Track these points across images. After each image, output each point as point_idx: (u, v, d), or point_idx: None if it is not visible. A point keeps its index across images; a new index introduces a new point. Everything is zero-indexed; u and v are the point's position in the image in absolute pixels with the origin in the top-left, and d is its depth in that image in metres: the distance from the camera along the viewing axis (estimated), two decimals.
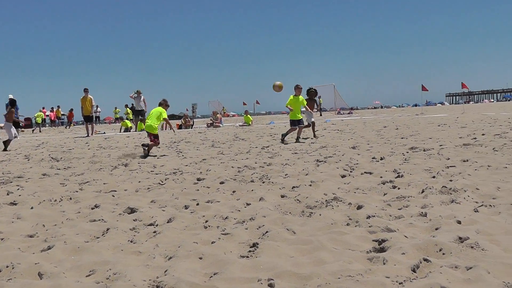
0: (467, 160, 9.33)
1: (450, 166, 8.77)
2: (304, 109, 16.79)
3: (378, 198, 6.59)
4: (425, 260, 3.91)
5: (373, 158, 10.53)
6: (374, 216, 5.46)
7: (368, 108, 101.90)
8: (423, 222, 5.19)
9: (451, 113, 36.38)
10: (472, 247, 4.17)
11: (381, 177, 8.21)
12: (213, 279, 3.84)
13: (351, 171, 8.98)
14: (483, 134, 14.69)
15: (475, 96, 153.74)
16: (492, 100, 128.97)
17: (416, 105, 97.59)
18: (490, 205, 5.70)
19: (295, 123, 16.50)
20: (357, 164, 9.79)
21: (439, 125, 21.32)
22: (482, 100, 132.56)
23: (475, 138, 13.55)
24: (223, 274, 3.90)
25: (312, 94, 18.04)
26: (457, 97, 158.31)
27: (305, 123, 17.41)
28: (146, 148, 13.56)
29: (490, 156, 9.72)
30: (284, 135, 16.17)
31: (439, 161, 9.51)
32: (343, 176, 8.53)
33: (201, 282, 3.79)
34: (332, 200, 6.43)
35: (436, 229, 4.83)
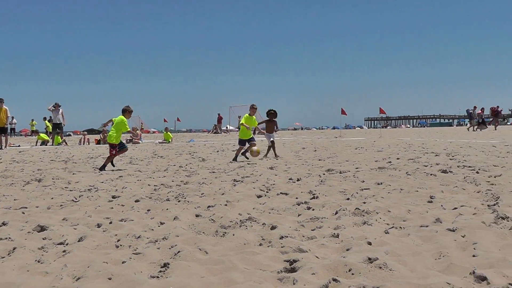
0: (381, 183, 9.79)
1: (365, 189, 9.17)
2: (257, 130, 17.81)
3: (292, 218, 6.80)
4: (334, 280, 4.10)
5: (290, 179, 10.81)
6: (287, 236, 5.63)
7: (289, 129, 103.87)
8: (334, 243, 5.43)
9: (368, 137, 37.83)
10: (380, 268, 4.42)
11: (296, 198, 8.46)
12: None
13: (267, 192, 9.18)
14: (397, 158, 15.44)
15: (393, 121, 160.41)
16: (408, 125, 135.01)
17: (335, 128, 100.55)
18: (400, 227, 6.04)
19: (243, 142, 16.80)
20: (273, 184, 10.03)
21: (356, 148, 22.15)
22: (399, 125, 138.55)
23: (390, 162, 14.21)
24: None
25: (272, 115, 18.33)
26: (375, 121, 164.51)
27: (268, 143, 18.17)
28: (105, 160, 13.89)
29: (403, 180, 10.25)
30: (236, 156, 16.67)
31: (354, 184, 9.92)
32: (259, 196, 8.71)
33: None
34: (246, 220, 6.57)
35: (347, 249, 5.06)
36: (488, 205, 7.38)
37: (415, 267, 4.49)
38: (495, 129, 45.52)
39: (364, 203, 7.66)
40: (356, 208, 7.11)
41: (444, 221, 6.33)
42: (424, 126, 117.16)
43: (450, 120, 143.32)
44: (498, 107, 48.81)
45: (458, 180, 10.15)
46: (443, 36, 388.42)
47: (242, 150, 17.09)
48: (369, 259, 4.62)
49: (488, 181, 9.85)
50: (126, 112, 14.19)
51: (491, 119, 47.21)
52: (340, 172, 11.87)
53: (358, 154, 17.99)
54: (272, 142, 18.07)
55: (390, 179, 10.50)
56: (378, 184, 9.78)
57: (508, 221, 6.30)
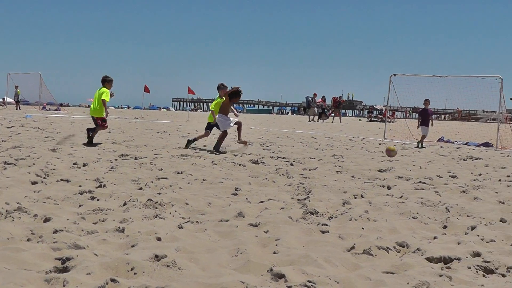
0: (182, 172, 10.00)
1: (162, 178, 9.30)
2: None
3: (72, 210, 6.69)
4: (112, 280, 4.13)
5: (74, 163, 10.58)
6: (63, 230, 5.53)
7: (81, 106, 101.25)
8: (118, 238, 5.45)
9: (175, 120, 38.26)
10: (168, 266, 4.53)
11: (80, 186, 8.32)
12: None
13: (45, 177, 8.91)
14: (204, 146, 15.84)
15: (205, 104, 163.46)
16: None
17: (136, 108, 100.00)
18: (196, 221, 6.24)
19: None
20: (54, 169, 9.75)
21: (158, 132, 22.31)
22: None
23: (194, 149, 14.54)
24: None
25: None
26: (184, 103, 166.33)
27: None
28: (91, 133, 14.81)
29: (207, 170, 10.57)
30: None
31: (151, 172, 10.01)
32: (34, 183, 8.42)
33: None
34: (14, 210, 6.33)
35: (132, 246, 5.11)
36: (298, 199, 7.91)
37: (208, 265, 4.67)
38: (340, 121, 47.95)
39: (159, 193, 7.78)
40: (148, 200, 7.19)
41: (247, 215, 6.66)
42: (240, 112, 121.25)
43: (270, 107, 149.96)
44: (340, 97, 51.91)
45: (270, 172, 10.71)
46: (261, 16, 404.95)
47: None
48: (156, 256, 4.71)
49: (302, 174, 10.53)
50: (106, 81, 15.20)
51: (332, 110, 49.87)
52: (136, 158, 11.89)
53: (160, 139, 18.16)
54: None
55: (193, 168, 10.76)
56: (178, 173, 9.97)
57: (317, 216, 6.83)
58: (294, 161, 12.62)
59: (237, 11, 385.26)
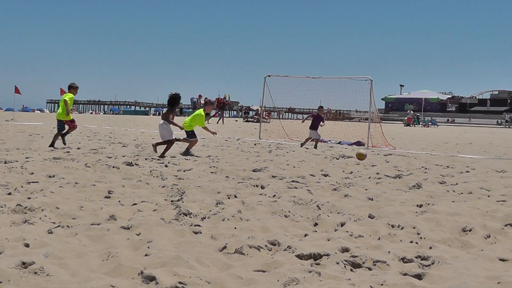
0: (54, 176, 9.69)
1: (32, 182, 8.97)
2: None
3: None
4: None
5: None
6: None
7: None
8: None
9: (47, 122, 37.07)
10: (35, 273, 4.37)
11: None
12: None
13: None
14: (78, 148, 15.50)
15: (81, 105, 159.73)
16: (99, 111, 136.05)
17: (8, 110, 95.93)
18: (67, 226, 6.06)
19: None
20: None
21: (30, 135, 21.55)
22: (88, 111, 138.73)
23: (68, 152, 14.14)
24: None
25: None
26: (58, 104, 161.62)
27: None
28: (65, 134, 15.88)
29: (80, 173, 10.31)
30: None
31: (21, 176, 9.63)
32: None
33: None
34: None
35: None
36: (171, 201, 7.86)
37: (78, 270, 4.55)
38: (223, 123, 47.63)
39: (29, 198, 7.50)
40: (17, 205, 6.91)
41: (120, 218, 6.55)
42: (116, 113, 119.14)
43: (147, 109, 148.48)
44: (224, 98, 51.76)
45: (144, 173, 10.59)
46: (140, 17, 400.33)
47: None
48: (23, 263, 4.53)
49: (176, 176, 10.49)
50: (71, 88, 16.16)
51: (217, 111, 49.54)
52: (5, 162, 11.41)
53: (32, 142, 17.51)
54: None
55: (65, 171, 10.45)
56: (50, 177, 9.66)
57: (190, 217, 6.82)
58: (168, 163, 12.55)
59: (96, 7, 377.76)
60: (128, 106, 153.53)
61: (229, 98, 58.04)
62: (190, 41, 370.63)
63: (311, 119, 21.19)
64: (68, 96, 16.08)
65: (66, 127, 16.32)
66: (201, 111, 16.25)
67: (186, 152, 15.23)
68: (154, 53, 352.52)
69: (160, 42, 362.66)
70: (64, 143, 16.08)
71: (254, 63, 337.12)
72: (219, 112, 49.42)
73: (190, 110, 49.65)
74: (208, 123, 45.22)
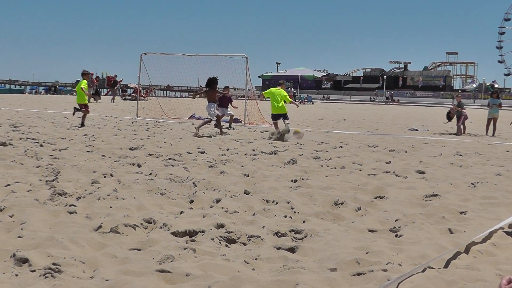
0: None
1: None
2: None
3: None
4: None
5: None
6: None
7: None
8: None
9: None
10: None
11: None
12: None
13: None
14: None
15: None
16: None
17: None
18: None
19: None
20: None
21: None
22: None
23: None
24: None
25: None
26: None
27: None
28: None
29: None
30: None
31: None
32: None
33: None
34: None
35: None
36: (46, 181, 7.62)
37: None
38: (113, 101, 45.91)
39: None
40: None
41: None
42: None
43: (22, 87, 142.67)
44: (115, 76, 50.01)
45: (18, 153, 10.19)
46: None
47: None
48: None
49: (52, 155, 10.17)
50: (84, 74, 18.31)
51: (108, 90, 47.98)
52: None
53: None
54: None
55: None
56: None
57: (65, 197, 6.66)
58: (44, 142, 12.14)
59: None
60: (2, 85, 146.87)
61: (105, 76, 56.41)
62: (64, 15, 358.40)
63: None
64: (83, 83, 18.02)
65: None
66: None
67: None
68: (26, 29, 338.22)
69: (32, 15, 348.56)
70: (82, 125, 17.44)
71: (131, 40, 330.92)
72: (110, 91, 48.03)
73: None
74: (95, 102, 44.00)
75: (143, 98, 39.52)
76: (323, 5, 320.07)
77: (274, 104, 16.33)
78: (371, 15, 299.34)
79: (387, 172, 9.55)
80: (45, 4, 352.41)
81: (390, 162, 10.96)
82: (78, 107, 18.28)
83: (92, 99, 44.10)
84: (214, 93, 16.84)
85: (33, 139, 12.82)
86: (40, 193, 6.76)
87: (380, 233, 5.68)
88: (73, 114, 18.92)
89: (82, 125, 17.50)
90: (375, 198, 7.32)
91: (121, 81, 49.53)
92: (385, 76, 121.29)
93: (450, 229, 5.73)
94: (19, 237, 4.95)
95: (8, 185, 7.26)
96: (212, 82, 16.84)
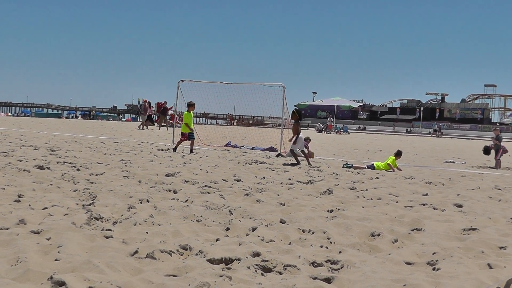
0: None
1: None
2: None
3: None
4: None
5: None
6: None
7: None
8: None
9: None
10: None
11: None
12: None
13: None
14: None
15: None
16: (9, 113, 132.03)
17: None
18: None
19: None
20: None
21: None
22: None
23: None
24: None
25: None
26: None
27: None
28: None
29: None
30: None
31: None
32: None
33: None
34: None
35: None
36: (83, 205, 7.73)
37: None
38: (165, 128, 45.75)
39: None
40: None
41: (29, 223, 6.41)
42: (28, 116, 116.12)
43: (60, 111, 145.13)
44: (165, 102, 50.39)
45: (55, 177, 10.35)
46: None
47: None
48: None
49: (88, 180, 10.31)
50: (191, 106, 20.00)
51: (158, 117, 48.29)
52: None
53: None
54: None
55: None
56: None
57: (101, 221, 6.73)
58: (81, 166, 12.31)
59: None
60: (40, 109, 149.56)
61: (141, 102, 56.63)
62: (107, 43, 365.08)
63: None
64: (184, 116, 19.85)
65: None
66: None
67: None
68: (65, 54, 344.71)
69: (70, 41, 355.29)
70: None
71: (168, 67, 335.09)
72: (159, 118, 48.10)
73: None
74: (146, 128, 43.97)
75: (179, 125, 39.79)
76: (360, 34, 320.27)
77: None
78: (408, 45, 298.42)
79: (424, 205, 9.45)
80: (81, 31, 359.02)
81: (427, 194, 10.84)
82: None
83: (144, 126, 44.38)
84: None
85: (70, 163, 13.00)
86: (77, 217, 6.85)
87: (418, 266, 5.62)
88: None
89: (191, 151, 18.91)
90: (412, 230, 7.25)
91: (171, 108, 49.14)
92: (422, 108, 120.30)
93: (489, 264, 5.63)
94: (56, 260, 5.02)
95: (45, 208, 7.38)
96: (300, 114, 17.80)
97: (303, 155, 17.14)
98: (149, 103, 46.29)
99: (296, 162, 16.69)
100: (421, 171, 16.52)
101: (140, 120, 47.75)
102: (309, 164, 16.64)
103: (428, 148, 37.79)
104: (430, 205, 9.43)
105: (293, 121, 18.02)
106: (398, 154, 16.90)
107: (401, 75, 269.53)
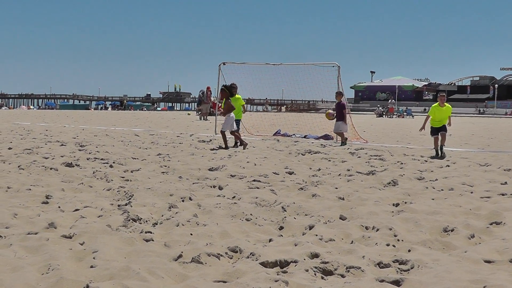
0: None
1: None
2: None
3: None
4: None
5: None
6: None
7: None
8: None
9: None
10: None
11: None
12: None
13: None
14: (10, 148, 15.25)
15: (11, 100, 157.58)
16: (32, 106, 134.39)
17: None
18: (0, 236, 5.98)
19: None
20: None
21: None
22: (20, 106, 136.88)
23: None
24: None
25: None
26: None
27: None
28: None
29: (12, 176, 10.19)
30: None
31: None
32: None
33: None
34: None
35: None
36: (118, 205, 7.83)
37: (14, 286, 4.50)
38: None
39: None
40: None
41: (60, 226, 6.51)
42: (52, 108, 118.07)
43: (87, 102, 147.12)
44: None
45: (86, 175, 10.51)
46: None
47: None
48: None
49: (123, 177, 10.43)
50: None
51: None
52: None
53: None
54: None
55: None
56: None
57: (140, 223, 6.80)
58: (114, 162, 12.46)
59: None
60: (65, 100, 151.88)
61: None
62: (134, 28, 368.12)
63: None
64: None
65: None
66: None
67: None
68: (93, 42, 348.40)
69: (97, 27, 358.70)
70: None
71: (205, 49, 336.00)
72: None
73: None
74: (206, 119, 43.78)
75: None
76: (422, 6, 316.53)
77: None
78: (479, 15, 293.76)
79: (503, 195, 9.30)
80: (111, 17, 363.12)
81: (506, 183, 10.66)
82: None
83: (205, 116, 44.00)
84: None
85: (101, 159, 13.17)
86: (112, 219, 6.93)
87: (499, 264, 5.52)
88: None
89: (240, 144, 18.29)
90: (491, 224, 7.14)
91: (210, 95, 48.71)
92: (496, 85, 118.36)
93: None
94: (91, 266, 5.09)
95: (76, 209, 7.50)
96: (231, 90, 18.32)
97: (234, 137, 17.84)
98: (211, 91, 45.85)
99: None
100: (498, 157, 16.25)
101: (201, 109, 47.49)
102: (243, 144, 17.32)
103: (505, 131, 37.17)
104: (511, 195, 9.28)
105: (224, 99, 18.36)
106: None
107: (471, 49, 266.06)
